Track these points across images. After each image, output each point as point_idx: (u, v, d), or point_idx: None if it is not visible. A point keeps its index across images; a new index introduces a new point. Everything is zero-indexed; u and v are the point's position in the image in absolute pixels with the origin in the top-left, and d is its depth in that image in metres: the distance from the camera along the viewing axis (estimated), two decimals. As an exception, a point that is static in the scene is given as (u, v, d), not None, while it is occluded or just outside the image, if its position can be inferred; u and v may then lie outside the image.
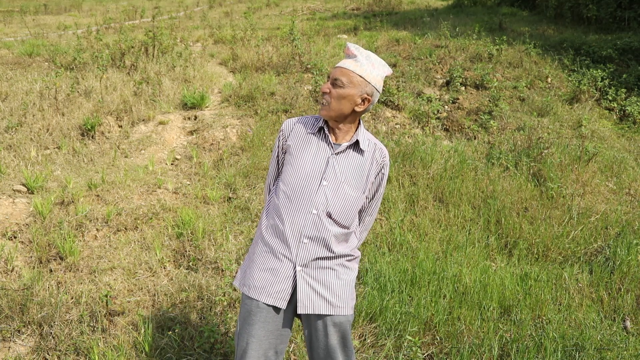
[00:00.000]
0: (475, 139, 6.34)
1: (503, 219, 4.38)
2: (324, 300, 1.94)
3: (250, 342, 1.93)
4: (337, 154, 1.97)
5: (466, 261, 3.79)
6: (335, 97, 1.92)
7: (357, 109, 1.94)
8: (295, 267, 1.92)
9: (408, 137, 6.07)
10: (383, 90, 7.04)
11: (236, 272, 3.56)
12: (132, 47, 8.27)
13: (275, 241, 1.95)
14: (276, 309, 1.95)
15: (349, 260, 2.02)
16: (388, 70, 1.98)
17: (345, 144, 1.97)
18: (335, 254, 1.95)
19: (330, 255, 1.95)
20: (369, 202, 2.09)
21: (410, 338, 2.81)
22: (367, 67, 1.92)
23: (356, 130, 2.01)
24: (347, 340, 2.01)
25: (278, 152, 2.09)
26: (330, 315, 1.95)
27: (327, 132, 1.99)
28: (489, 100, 7.15)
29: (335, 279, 1.96)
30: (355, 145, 1.99)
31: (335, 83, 1.92)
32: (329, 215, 1.93)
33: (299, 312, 1.93)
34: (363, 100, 1.93)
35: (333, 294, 1.95)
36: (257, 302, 1.94)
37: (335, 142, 1.99)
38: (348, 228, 1.99)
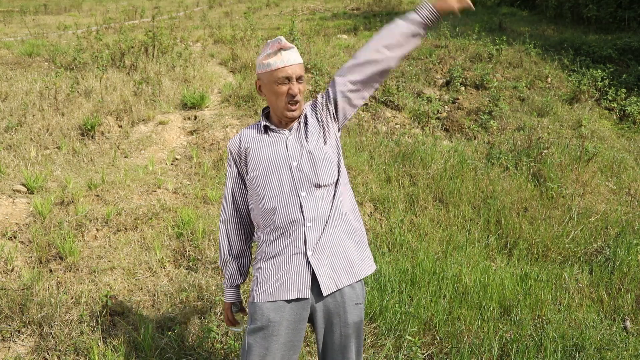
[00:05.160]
0: (475, 139, 6.34)
1: (503, 219, 4.38)
2: (344, 272, 1.92)
3: (264, 357, 1.87)
4: (289, 136, 2.02)
5: (466, 261, 3.79)
6: (302, 93, 1.99)
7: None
8: (306, 254, 1.88)
9: (408, 137, 6.07)
10: (383, 90, 7.06)
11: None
12: (132, 47, 8.26)
13: (278, 239, 1.91)
14: (288, 322, 1.88)
15: (353, 218, 2.01)
16: None
17: (294, 126, 2.04)
18: (338, 215, 1.94)
19: (335, 226, 1.92)
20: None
21: (410, 338, 2.81)
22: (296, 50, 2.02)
23: None
24: (361, 331, 1.99)
25: (234, 174, 2.08)
26: (349, 287, 1.92)
27: (271, 127, 2.05)
28: (489, 100, 7.15)
29: (345, 250, 1.94)
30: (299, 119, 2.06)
31: (299, 81, 1.98)
32: (318, 186, 1.93)
33: (324, 293, 1.88)
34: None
35: (350, 262, 1.94)
36: (268, 317, 1.88)
37: (284, 129, 2.05)
38: (333, 184, 1.98)
